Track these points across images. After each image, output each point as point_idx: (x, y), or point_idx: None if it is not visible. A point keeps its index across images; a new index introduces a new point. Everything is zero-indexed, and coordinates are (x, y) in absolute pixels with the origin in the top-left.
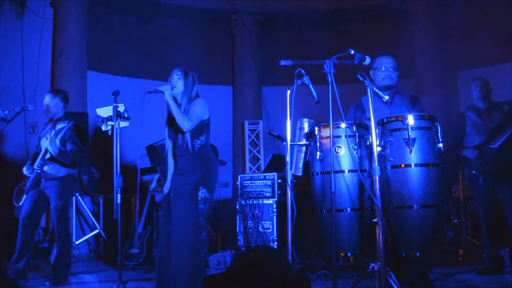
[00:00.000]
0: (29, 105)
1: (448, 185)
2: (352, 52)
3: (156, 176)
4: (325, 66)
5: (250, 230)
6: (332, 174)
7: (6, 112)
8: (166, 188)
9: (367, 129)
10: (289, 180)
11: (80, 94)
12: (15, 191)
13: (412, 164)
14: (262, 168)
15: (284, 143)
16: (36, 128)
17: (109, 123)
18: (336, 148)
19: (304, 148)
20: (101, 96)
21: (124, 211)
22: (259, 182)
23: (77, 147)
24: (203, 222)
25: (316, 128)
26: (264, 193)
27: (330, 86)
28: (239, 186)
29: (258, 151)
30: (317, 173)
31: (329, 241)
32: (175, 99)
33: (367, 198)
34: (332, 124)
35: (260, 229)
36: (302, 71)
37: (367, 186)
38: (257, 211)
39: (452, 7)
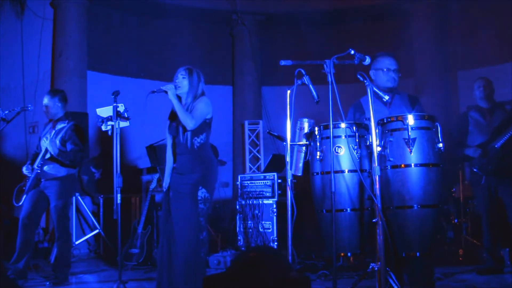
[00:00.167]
0: (29, 105)
1: (448, 185)
2: (352, 52)
3: (156, 176)
4: (325, 66)
5: (250, 230)
6: (332, 174)
7: (6, 112)
8: (165, 184)
9: (367, 129)
10: (289, 180)
11: (80, 94)
12: (15, 191)
13: (412, 164)
14: (262, 168)
15: (284, 143)
16: (36, 128)
17: (109, 123)
18: (336, 148)
19: (304, 148)
20: (101, 96)
21: (124, 211)
22: (259, 182)
23: (77, 147)
24: (203, 222)
25: (316, 128)
26: (264, 193)
27: (330, 86)
28: (239, 186)
29: (258, 151)
30: (317, 173)
31: (329, 241)
32: (179, 98)
33: (367, 198)
34: (332, 124)
35: (260, 229)
36: (302, 71)
37: (367, 186)
38: (257, 211)
39: (452, 7)
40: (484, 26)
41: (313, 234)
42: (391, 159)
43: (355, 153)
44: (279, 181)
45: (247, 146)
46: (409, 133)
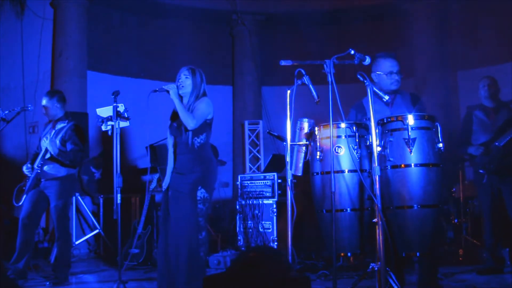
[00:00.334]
0: (29, 105)
1: (448, 185)
2: (352, 52)
3: (156, 176)
4: (325, 66)
5: (250, 230)
6: (332, 174)
7: (6, 112)
8: (165, 184)
9: (367, 129)
10: (289, 180)
11: (80, 94)
12: (15, 191)
13: (412, 164)
14: (262, 168)
15: (284, 143)
16: (36, 128)
17: (109, 123)
18: (336, 148)
19: (304, 148)
20: (101, 96)
21: (124, 211)
22: (259, 182)
23: (77, 147)
24: (202, 222)
25: (316, 128)
26: (264, 193)
27: (330, 86)
28: (239, 186)
29: (258, 151)
30: (317, 173)
31: (329, 241)
32: (181, 98)
33: (367, 198)
34: (332, 124)
35: (260, 229)
36: (302, 71)
37: (367, 186)
38: (257, 211)
39: (452, 7)
40: (484, 26)
41: (313, 234)
42: (391, 159)
43: (355, 153)
44: (279, 181)
45: (247, 146)
46: (409, 133)
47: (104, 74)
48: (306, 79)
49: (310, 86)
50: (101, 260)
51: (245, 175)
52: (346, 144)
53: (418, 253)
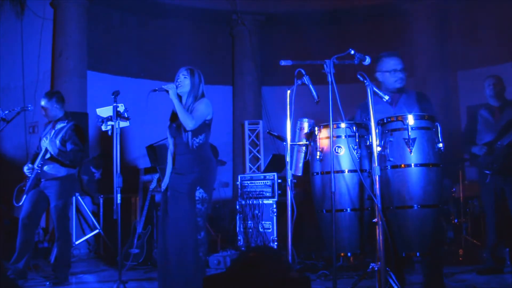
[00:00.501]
0: (29, 105)
1: (449, 185)
2: (352, 52)
3: (156, 176)
4: (325, 66)
5: (250, 230)
6: (332, 174)
7: (6, 112)
8: (164, 185)
9: (367, 129)
10: (289, 180)
11: (80, 94)
12: (15, 191)
13: (412, 164)
14: (262, 168)
15: (284, 143)
16: (36, 128)
17: (109, 123)
18: (336, 148)
19: (304, 148)
20: (101, 96)
21: (124, 211)
22: (259, 182)
23: (77, 147)
24: (201, 222)
25: (316, 128)
26: (264, 193)
27: (330, 86)
28: (239, 186)
29: (258, 151)
30: (317, 173)
31: (329, 241)
32: (180, 98)
33: (367, 198)
34: (332, 124)
35: (260, 229)
36: (302, 71)
37: (367, 186)
38: (257, 211)
39: (452, 7)
40: (484, 26)
41: (313, 234)
42: (391, 159)
43: (355, 153)
44: (279, 181)
45: (247, 146)
46: (409, 133)
47: (104, 74)
48: (306, 79)
49: (310, 86)
50: (101, 260)
51: (245, 175)
52: (346, 144)
53: (418, 253)
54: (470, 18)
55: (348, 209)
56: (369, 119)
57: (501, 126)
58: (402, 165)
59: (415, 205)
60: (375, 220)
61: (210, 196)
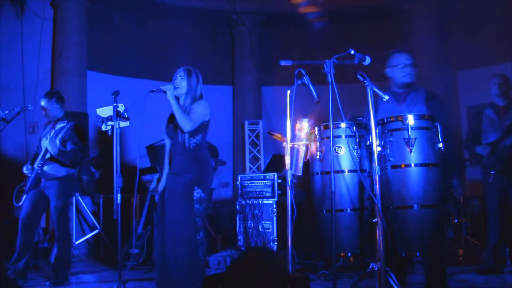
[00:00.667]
0: (29, 105)
1: (449, 185)
2: (352, 52)
3: (156, 176)
4: (325, 66)
5: (250, 230)
6: (332, 174)
7: (6, 112)
8: (161, 186)
9: (367, 129)
10: (289, 180)
11: (80, 94)
12: (15, 191)
13: (412, 164)
14: (262, 168)
15: (284, 143)
16: (36, 128)
17: (109, 123)
18: (336, 148)
19: (304, 148)
20: (101, 96)
21: (124, 211)
22: (259, 182)
23: (77, 147)
24: (199, 222)
25: (316, 128)
26: (264, 193)
27: (330, 86)
28: (239, 186)
29: (258, 151)
30: (317, 173)
31: (329, 241)
32: (177, 99)
33: (367, 198)
34: (332, 124)
35: (260, 229)
36: (302, 71)
37: (367, 186)
38: (257, 211)
39: (452, 7)
40: (484, 26)
41: (313, 234)
42: (391, 159)
43: (355, 153)
44: (279, 181)
45: (247, 146)
46: (409, 133)
47: (104, 74)
48: (306, 79)
49: (310, 86)
50: (101, 260)
51: (245, 175)
52: (346, 144)
53: (418, 253)
54: (470, 18)
55: (348, 209)
56: (369, 119)
57: (506, 125)
58: (402, 165)
59: (415, 205)
60: (375, 220)
61: (208, 196)
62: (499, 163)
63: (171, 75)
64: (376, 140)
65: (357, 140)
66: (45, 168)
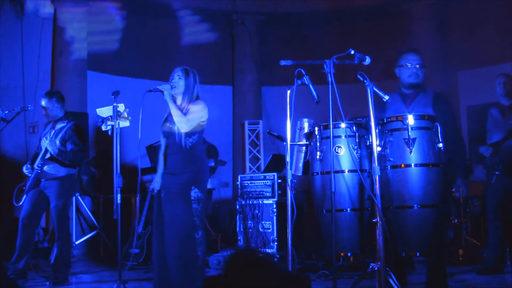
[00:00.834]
0: (29, 105)
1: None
2: (352, 52)
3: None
4: (325, 66)
5: (250, 230)
6: (332, 174)
7: (6, 112)
8: (157, 186)
9: (367, 129)
10: (289, 180)
11: (80, 94)
12: (15, 191)
13: (412, 164)
14: (262, 168)
15: (284, 143)
16: (36, 128)
17: (109, 123)
18: (336, 148)
19: (304, 148)
20: (101, 96)
21: (124, 211)
22: (259, 182)
23: (77, 147)
24: (198, 221)
25: (316, 128)
26: (264, 193)
27: (330, 86)
28: (239, 186)
29: (258, 151)
30: (317, 173)
31: (329, 241)
32: (175, 98)
33: (367, 198)
34: (332, 124)
35: (260, 229)
36: (302, 71)
37: (367, 186)
38: (257, 211)
39: (453, 7)
40: (484, 26)
41: (313, 234)
42: (391, 159)
43: (355, 153)
44: (279, 181)
45: (247, 146)
46: (409, 133)
47: (104, 74)
48: (306, 79)
49: (310, 86)
50: (101, 260)
51: (245, 175)
52: (346, 144)
53: (418, 253)
54: (470, 18)
55: (348, 209)
56: (370, 119)
57: (510, 125)
58: (402, 165)
59: (415, 205)
60: (375, 220)
61: (205, 195)
62: (502, 163)
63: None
64: (376, 140)
65: (357, 140)
66: (45, 168)
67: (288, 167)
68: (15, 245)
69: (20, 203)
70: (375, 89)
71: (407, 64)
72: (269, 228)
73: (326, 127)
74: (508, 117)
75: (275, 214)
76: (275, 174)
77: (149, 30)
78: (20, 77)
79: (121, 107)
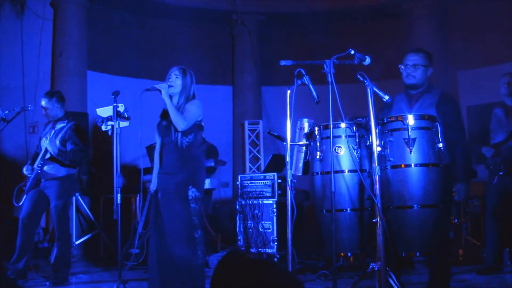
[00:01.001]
0: (29, 105)
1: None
2: (352, 52)
3: None
4: (325, 66)
5: (250, 230)
6: (332, 174)
7: (6, 112)
8: (153, 186)
9: (367, 129)
10: (289, 180)
11: (80, 94)
12: (15, 191)
13: (412, 164)
14: (262, 168)
15: (284, 143)
16: (36, 128)
17: (109, 123)
18: (336, 148)
19: (304, 148)
20: (101, 96)
21: (124, 211)
22: (259, 182)
23: (77, 147)
24: (196, 221)
25: (316, 128)
26: (264, 193)
27: (330, 86)
28: (239, 186)
29: (258, 151)
30: (317, 173)
31: (329, 241)
32: (171, 97)
33: (367, 198)
34: (332, 124)
35: (260, 229)
36: (302, 71)
37: (367, 186)
38: (257, 211)
39: (453, 6)
40: (485, 25)
41: (313, 234)
42: (391, 159)
43: (355, 153)
44: (279, 181)
45: (247, 146)
46: (409, 133)
47: (104, 74)
48: (306, 79)
49: (310, 86)
50: (101, 260)
51: (245, 175)
52: (346, 144)
53: (418, 253)
54: (470, 18)
55: (348, 209)
56: (369, 119)
57: None
58: (402, 165)
59: (415, 205)
60: (375, 220)
61: (202, 194)
62: (503, 164)
63: None
64: (376, 140)
65: (357, 140)
66: (45, 168)
67: (288, 167)
68: (15, 245)
69: (20, 203)
70: (375, 89)
71: (405, 64)
72: (269, 228)
73: (326, 127)
74: (511, 118)
75: (275, 214)
76: (275, 174)
77: (149, 30)
78: (20, 77)
79: (121, 107)
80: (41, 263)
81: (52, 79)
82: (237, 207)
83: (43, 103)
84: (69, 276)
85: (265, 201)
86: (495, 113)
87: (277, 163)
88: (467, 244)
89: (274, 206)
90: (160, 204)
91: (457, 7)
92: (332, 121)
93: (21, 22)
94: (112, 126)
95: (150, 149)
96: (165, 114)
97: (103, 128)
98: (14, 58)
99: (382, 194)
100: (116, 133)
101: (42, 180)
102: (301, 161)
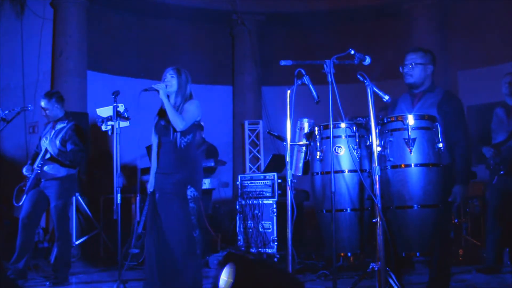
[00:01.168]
0: (29, 105)
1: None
2: (352, 52)
3: None
4: (325, 66)
5: (250, 230)
6: (332, 174)
7: (6, 112)
8: (151, 186)
9: (367, 129)
10: (289, 180)
11: (80, 94)
12: (15, 191)
13: (412, 164)
14: (262, 168)
15: (284, 143)
16: (36, 128)
17: (109, 123)
18: (336, 148)
19: (304, 148)
20: (101, 96)
21: (124, 211)
22: (259, 182)
23: (77, 147)
24: (194, 220)
25: (316, 128)
26: (264, 193)
27: (330, 86)
28: (239, 186)
29: (258, 151)
30: (317, 173)
31: (329, 241)
32: (168, 97)
33: (367, 198)
34: (332, 124)
35: (260, 229)
36: (302, 71)
37: (367, 186)
38: (257, 211)
39: (453, 6)
40: (485, 26)
41: (313, 234)
42: (391, 159)
43: (355, 153)
44: (279, 181)
45: (247, 146)
46: (409, 133)
47: (104, 74)
48: (306, 79)
49: (310, 86)
50: (101, 260)
51: (245, 175)
52: (346, 144)
53: (418, 253)
54: (470, 18)
55: (348, 209)
56: (370, 119)
57: None
58: (402, 165)
59: (415, 205)
60: (375, 220)
61: (200, 194)
62: (504, 164)
63: None
64: (376, 140)
65: (357, 140)
66: (45, 168)
67: (288, 167)
68: (15, 245)
69: (20, 203)
70: (375, 89)
71: (404, 63)
72: (269, 228)
73: (326, 127)
74: None
75: (275, 214)
76: (275, 174)
77: (149, 30)
78: (20, 77)
79: (121, 107)
80: (41, 263)
81: (52, 79)
82: (237, 207)
83: (42, 104)
84: (69, 276)
85: (265, 201)
86: (496, 113)
87: (277, 163)
88: (467, 244)
89: (274, 206)
90: (157, 204)
91: (457, 7)
92: (332, 121)
93: (21, 22)
94: (112, 126)
95: (150, 149)
96: (162, 113)
97: (103, 128)
98: (14, 58)
99: (382, 194)
100: (116, 133)
101: (42, 180)
102: (301, 161)
